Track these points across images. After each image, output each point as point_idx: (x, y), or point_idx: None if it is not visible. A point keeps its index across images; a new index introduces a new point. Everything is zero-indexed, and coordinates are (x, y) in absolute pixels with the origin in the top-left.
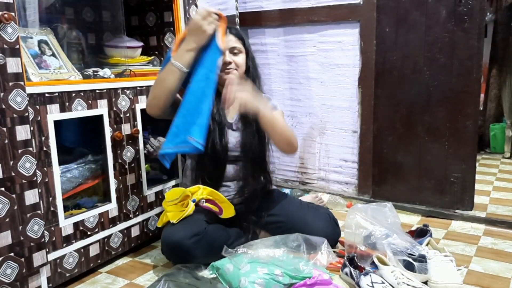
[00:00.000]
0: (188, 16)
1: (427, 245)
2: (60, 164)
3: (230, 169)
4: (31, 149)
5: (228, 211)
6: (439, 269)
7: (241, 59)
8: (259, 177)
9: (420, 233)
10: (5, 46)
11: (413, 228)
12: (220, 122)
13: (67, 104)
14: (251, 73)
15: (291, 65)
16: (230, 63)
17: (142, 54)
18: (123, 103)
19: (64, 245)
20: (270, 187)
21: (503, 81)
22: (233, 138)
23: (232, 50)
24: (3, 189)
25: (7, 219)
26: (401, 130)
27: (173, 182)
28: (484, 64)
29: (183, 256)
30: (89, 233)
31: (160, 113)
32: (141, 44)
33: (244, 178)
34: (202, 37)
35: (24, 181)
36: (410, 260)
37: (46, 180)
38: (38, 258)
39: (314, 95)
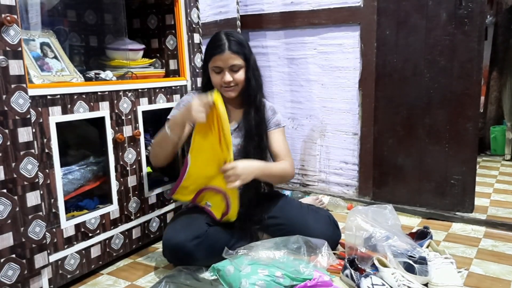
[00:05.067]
0: (189, 18)
1: (427, 247)
2: (61, 166)
3: None
4: (33, 151)
5: (233, 211)
6: (440, 271)
7: (241, 75)
8: (259, 181)
9: (420, 235)
10: (7, 49)
11: (414, 230)
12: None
13: (69, 106)
14: (252, 84)
15: (291, 67)
16: (229, 82)
17: (143, 56)
18: (124, 105)
19: (65, 246)
20: (271, 189)
21: (504, 84)
22: (233, 145)
23: (232, 68)
24: (5, 190)
25: (9, 221)
26: (402, 133)
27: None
28: (484, 66)
29: (184, 258)
30: (90, 234)
31: (164, 164)
32: (142, 46)
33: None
34: (190, 120)
35: (26, 182)
36: (411, 262)
37: (48, 182)
38: (40, 259)
39: (314, 98)
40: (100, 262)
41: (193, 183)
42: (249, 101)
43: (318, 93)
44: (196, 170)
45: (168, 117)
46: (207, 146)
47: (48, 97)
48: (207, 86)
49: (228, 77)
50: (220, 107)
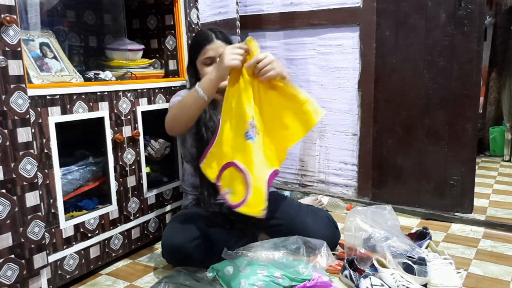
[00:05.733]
0: (189, 19)
1: (426, 247)
2: (61, 166)
3: None
4: (32, 151)
5: (254, 200)
6: (439, 272)
7: None
8: None
9: (419, 236)
10: (6, 49)
11: (413, 231)
12: (214, 130)
13: (68, 106)
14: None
15: (291, 68)
16: None
17: (143, 57)
18: (124, 105)
19: (64, 247)
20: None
21: (503, 85)
22: None
23: None
24: (4, 191)
25: (8, 221)
26: (401, 133)
27: (173, 185)
28: (483, 67)
29: (183, 259)
30: (89, 235)
31: (179, 133)
32: (142, 47)
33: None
34: (223, 69)
35: (25, 183)
36: (410, 262)
37: (47, 182)
38: (39, 260)
39: (314, 98)
40: (99, 263)
41: (220, 153)
42: None
43: (318, 94)
44: (224, 136)
45: (169, 105)
46: (236, 107)
47: (48, 97)
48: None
49: None
50: (255, 47)
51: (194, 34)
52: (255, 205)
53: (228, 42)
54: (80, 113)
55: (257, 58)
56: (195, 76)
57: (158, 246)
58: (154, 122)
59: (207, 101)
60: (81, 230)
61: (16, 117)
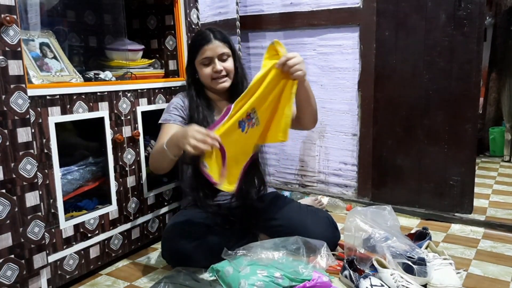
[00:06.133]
0: (189, 19)
1: (426, 248)
2: (61, 166)
3: None
4: (32, 151)
5: (230, 174)
6: (439, 272)
7: (230, 64)
8: (253, 178)
9: (419, 236)
10: (6, 49)
11: (413, 231)
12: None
13: (68, 106)
14: (239, 74)
15: None
16: (221, 70)
17: (143, 57)
18: (124, 105)
19: (64, 247)
20: (264, 187)
21: (503, 85)
22: None
23: (221, 57)
24: (4, 191)
25: (8, 221)
26: (401, 134)
27: (173, 185)
28: (483, 68)
29: (183, 260)
30: (89, 235)
31: (165, 172)
32: (142, 47)
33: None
34: (182, 145)
35: (25, 183)
36: (410, 263)
37: (47, 182)
38: (39, 260)
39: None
40: (99, 263)
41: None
42: (238, 91)
43: (318, 94)
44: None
45: (160, 121)
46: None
47: (48, 97)
48: (193, 84)
49: (219, 65)
50: (283, 47)
51: (192, 35)
52: (227, 185)
53: (227, 42)
54: (80, 113)
55: (288, 56)
56: (192, 76)
57: (158, 246)
58: (154, 122)
59: (174, 159)
60: (81, 230)
61: (16, 117)
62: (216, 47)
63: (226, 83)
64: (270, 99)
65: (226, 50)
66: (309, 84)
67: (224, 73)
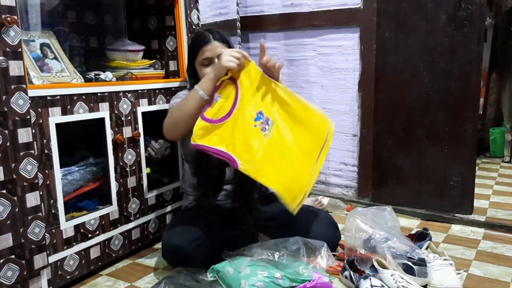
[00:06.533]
0: (189, 20)
1: (426, 248)
2: (61, 166)
3: (227, 172)
4: (32, 151)
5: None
6: (439, 272)
7: None
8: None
9: (419, 237)
10: (7, 49)
11: (413, 232)
12: None
13: (68, 107)
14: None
15: (291, 69)
16: None
17: (143, 57)
18: (124, 106)
19: (65, 247)
20: (266, 188)
21: (503, 86)
22: None
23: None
24: (4, 191)
25: (8, 222)
26: (401, 134)
27: (174, 185)
28: (483, 68)
29: (184, 260)
30: (90, 235)
31: (178, 137)
32: (142, 47)
33: (240, 180)
34: (220, 69)
35: (25, 183)
36: (410, 263)
37: (48, 182)
38: (39, 260)
39: (314, 99)
40: (100, 263)
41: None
42: None
43: (318, 95)
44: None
45: (169, 107)
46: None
47: (48, 98)
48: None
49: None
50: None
51: (192, 37)
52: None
53: (226, 42)
54: (81, 113)
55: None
56: (194, 77)
57: (158, 246)
58: (155, 123)
59: (206, 99)
60: (82, 230)
61: (16, 118)
62: (216, 47)
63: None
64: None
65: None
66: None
67: None
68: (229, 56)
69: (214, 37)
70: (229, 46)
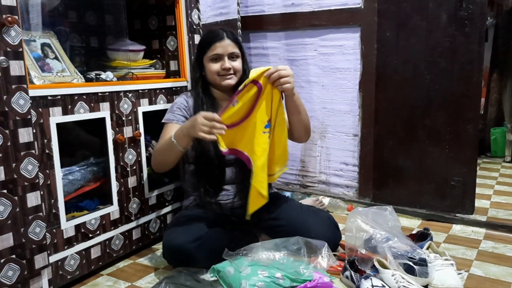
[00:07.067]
0: (190, 20)
1: (427, 248)
2: (62, 166)
3: (227, 172)
4: (33, 151)
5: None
6: (440, 273)
7: (238, 64)
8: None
9: (420, 237)
10: (8, 49)
11: (414, 232)
12: None
13: (69, 107)
14: (246, 76)
15: (292, 68)
16: (229, 68)
17: (144, 57)
18: (125, 106)
19: (65, 247)
20: (269, 189)
21: (504, 86)
22: None
23: (231, 56)
24: (5, 191)
25: (9, 221)
26: (402, 134)
27: (174, 185)
28: (485, 68)
29: (185, 260)
30: (90, 235)
31: (167, 170)
32: (143, 47)
33: (242, 180)
34: (192, 134)
35: (26, 183)
36: (411, 263)
37: (48, 182)
38: (40, 260)
39: (315, 99)
40: (100, 263)
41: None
42: None
43: (319, 94)
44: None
45: (163, 120)
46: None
47: (49, 97)
48: (200, 81)
49: (228, 63)
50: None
51: (204, 32)
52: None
53: (238, 43)
54: (82, 113)
55: (278, 67)
56: (200, 72)
57: (159, 246)
58: (155, 123)
59: (183, 151)
60: (82, 230)
61: (17, 118)
62: (228, 45)
63: (232, 80)
64: (274, 111)
65: (236, 50)
66: (299, 98)
67: (232, 71)
68: (204, 127)
69: (228, 35)
70: (240, 47)
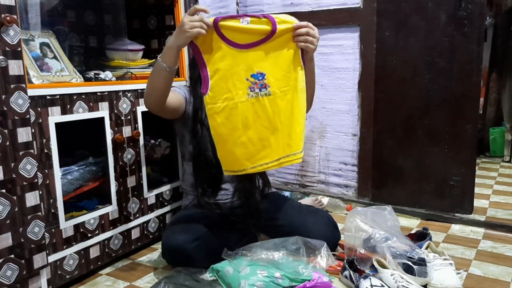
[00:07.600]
0: None
1: (426, 248)
2: (61, 166)
3: None
4: (32, 151)
5: None
6: (439, 272)
7: None
8: (255, 178)
9: (419, 237)
10: (7, 49)
11: (413, 232)
12: (209, 127)
13: (68, 106)
14: None
15: None
16: None
17: (143, 57)
18: (124, 105)
19: (64, 247)
20: (268, 189)
21: (503, 85)
22: None
23: None
24: (4, 191)
25: (8, 221)
26: (401, 134)
27: (173, 185)
28: (484, 68)
29: (184, 260)
30: (89, 235)
31: (157, 109)
32: (142, 47)
33: (240, 179)
34: (181, 38)
35: (25, 183)
36: (410, 263)
37: (47, 182)
38: (39, 260)
39: (314, 98)
40: (99, 263)
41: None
42: None
43: (318, 94)
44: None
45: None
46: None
47: (48, 97)
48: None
49: None
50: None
51: None
52: None
53: None
54: (80, 113)
55: (310, 25)
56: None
57: (158, 246)
58: (154, 122)
59: (168, 71)
60: (81, 230)
61: (16, 117)
62: None
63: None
64: (281, 72)
65: None
66: (314, 66)
67: None
68: (191, 23)
69: None
70: None
